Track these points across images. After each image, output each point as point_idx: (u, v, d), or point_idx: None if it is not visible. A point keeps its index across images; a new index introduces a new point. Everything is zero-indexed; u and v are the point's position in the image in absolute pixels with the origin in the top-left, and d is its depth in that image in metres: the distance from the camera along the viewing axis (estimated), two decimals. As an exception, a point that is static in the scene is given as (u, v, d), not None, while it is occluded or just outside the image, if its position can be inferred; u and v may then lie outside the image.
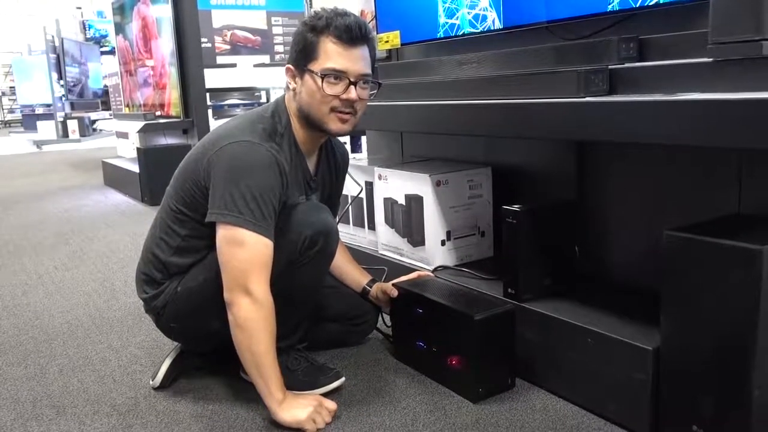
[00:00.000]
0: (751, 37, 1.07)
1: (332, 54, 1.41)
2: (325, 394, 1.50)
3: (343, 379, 1.55)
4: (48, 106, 10.68)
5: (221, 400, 1.54)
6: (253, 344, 1.36)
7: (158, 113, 4.76)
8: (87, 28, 11.79)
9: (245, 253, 1.35)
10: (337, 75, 1.42)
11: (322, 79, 1.41)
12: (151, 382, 1.62)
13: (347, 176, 1.76)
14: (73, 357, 1.84)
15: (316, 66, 1.42)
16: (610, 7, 1.54)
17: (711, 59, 1.15)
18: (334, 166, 1.69)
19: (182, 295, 1.51)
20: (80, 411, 1.52)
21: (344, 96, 1.43)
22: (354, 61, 1.43)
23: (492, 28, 1.88)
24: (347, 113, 1.46)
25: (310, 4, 5.52)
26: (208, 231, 1.43)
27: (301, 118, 1.49)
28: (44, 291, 2.50)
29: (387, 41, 2.23)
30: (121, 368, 1.75)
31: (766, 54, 1.06)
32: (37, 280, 2.65)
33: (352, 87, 1.43)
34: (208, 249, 1.48)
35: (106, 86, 8.80)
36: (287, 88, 1.51)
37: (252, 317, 1.36)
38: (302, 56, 1.43)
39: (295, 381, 1.52)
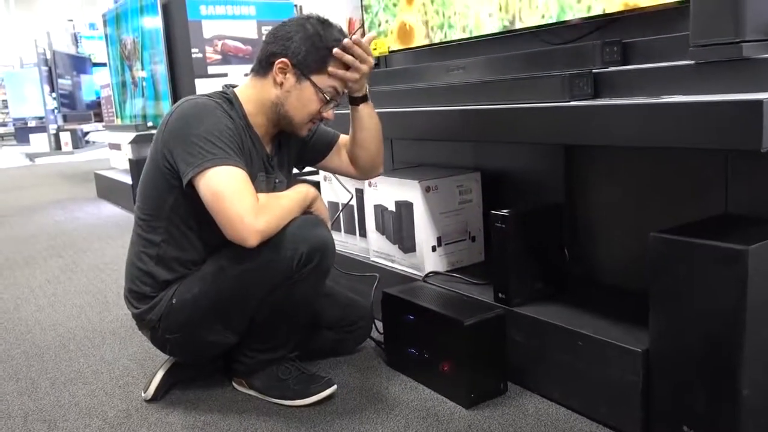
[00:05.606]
0: (731, 39, 1.08)
1: (338, 76, 1.47)
2: (318, 403, 1.51)
3: (335, 386, 1.54)
4: (40, 118, 10.66)
5: (214, 411, 1.54)
6: (283, 214, 1.41)
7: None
8: (78, 40, 11.77)
9: (228, 187, 1.34)
10: (334, 96, 1.50)
11: (324, 96, 1.47)
12: (143, 395, 1.61)
13: (339, 185, 1.76)
14: (64, 370, 1.83)
15: (321, 81, 1.46)
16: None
17: (693, 62, 1.16)
18: (290, 147, 1.68)
19: (178, 307, 1.48)
20: (71, 425, 1.51)
21: (326, 114, 1.51)
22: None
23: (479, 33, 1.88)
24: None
25: (301, 13, 5.54)
26: (178, 233, 1.46)
27: (270, 111, 1.50)
28: (36, 304, 2.49)
29: (375, 48, 2.23)
30: (113, 381, 1.74)
31: (746, 56, 1.08)
32: (29, 294, 2.64)
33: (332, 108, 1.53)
34: (187, 260, 1.49)
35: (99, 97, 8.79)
36: (256, 73, 1.50)
37: (263, 221, 1.35)
38: (308, 63, 1.45)
39: (287, 390, 1.52)
